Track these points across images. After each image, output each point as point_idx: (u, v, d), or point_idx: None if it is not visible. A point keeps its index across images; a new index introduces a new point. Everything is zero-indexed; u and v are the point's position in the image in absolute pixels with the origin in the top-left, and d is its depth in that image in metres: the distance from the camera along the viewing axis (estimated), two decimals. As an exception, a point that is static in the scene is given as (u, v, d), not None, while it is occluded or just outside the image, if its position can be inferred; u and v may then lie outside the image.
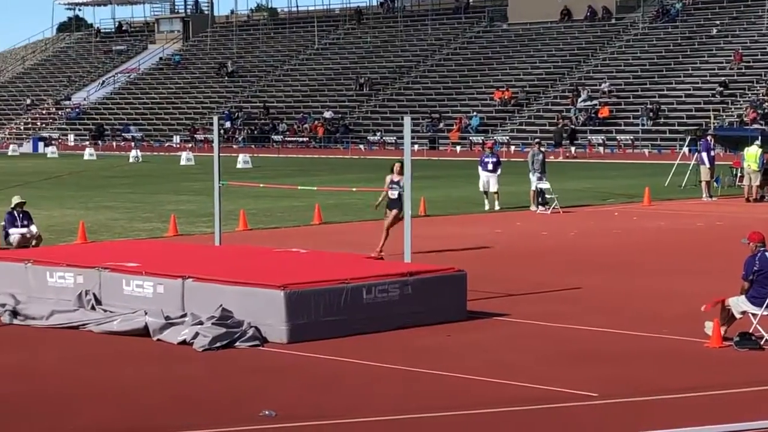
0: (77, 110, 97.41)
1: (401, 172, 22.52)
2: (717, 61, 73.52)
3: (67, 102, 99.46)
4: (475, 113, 76.58)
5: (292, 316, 14.97)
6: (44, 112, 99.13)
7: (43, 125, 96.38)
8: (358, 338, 15.14)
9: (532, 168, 34.48)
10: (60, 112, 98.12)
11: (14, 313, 16.67)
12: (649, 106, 70.59)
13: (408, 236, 18.68)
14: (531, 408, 11.92)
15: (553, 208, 33.41)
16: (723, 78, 70.76)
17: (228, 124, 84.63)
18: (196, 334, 14.80)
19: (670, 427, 11.14)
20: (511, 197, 35.99)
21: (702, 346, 14.66)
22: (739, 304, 14.95)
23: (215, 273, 16.16)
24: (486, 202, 34.48)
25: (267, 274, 16.16)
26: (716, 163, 39.58)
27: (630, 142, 68.44)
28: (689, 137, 47.31)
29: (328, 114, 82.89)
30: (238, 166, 58.74)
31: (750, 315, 14.89)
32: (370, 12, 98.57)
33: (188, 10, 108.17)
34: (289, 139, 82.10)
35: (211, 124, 32.19)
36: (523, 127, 74.04)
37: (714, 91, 69.75)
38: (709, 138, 40.65)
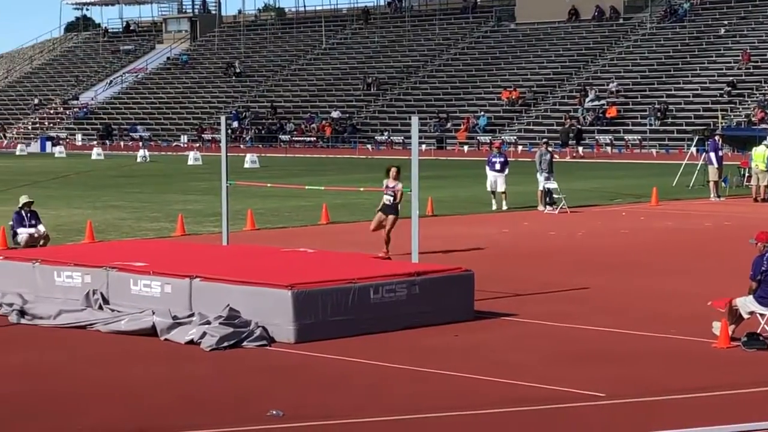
0: (85, 110, 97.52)
1: (397, 177, 22.63)
2: (725, 61, 73.45)
3: (74, 102, 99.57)
4: (482, 113, 76.56)
5: (300, 315, 14.97)
6: (52, 111, 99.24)
7: (51, 125, 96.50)
8: (366, 338, 15.14)
9: (540, 168, 34.46)
10: (68, 112, 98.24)
11: (22, 313, 16.69)
12: (656, 106, 70.53)
13: (415, 236, 18.68)
14: (538, 408, 11.91)
15: (561, 208, 33.40)
16: (731, 78, 70.68)
17: (235, 124, 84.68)
18: (204, 334, 14.81)
19: (678, 428, 11.13)
20: (518, 197, 35.98)
21: (710, 347, 14.63)
22: (746, 304, 14.93)
23: (223, 273, 16.16)
24: (493, 202, 34.47)
25: (274, 273, 16.16)
26: (724, 163, 39.54)
27: (638, 142, 68.37)
28: (697, 137, 47.33)
29: (335, 114, 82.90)
30: (246, 165, 58.81)
31: (758, 315, 14.88)
32: (378, 12, 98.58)
33: (196, 10, 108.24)
34: (296, 138, 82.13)
35: (219, 123, 32.23)
36: (531, 127, 74.01)
37: (722, 91, 69.68)
38: (717, 138, 40.61)
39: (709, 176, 38.66)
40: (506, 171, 34.51)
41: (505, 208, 34.11)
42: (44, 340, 15.44)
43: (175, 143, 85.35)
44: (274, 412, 11.54)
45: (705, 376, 13.30)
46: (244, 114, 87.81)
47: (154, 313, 15.56)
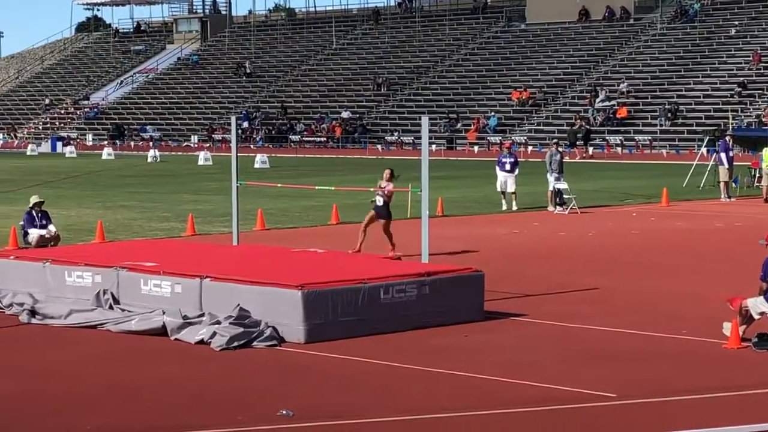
0: (95, 110, 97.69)
1: (390, 179, 22.87)
2: (735, 61, 73.35)
3: (85, 102, 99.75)
4: (492, 113, 76.54)
5: (310, 315, 14.97)
6: (63, 111, 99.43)
7: (62, 125, 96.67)
8: (376, 338, 15.14)
9: (550, 168, 34.44)
10: (78, 112, 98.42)
11: (32, 313, 16.72)
12: (667, 106, 70.45)
13: (425, 236, 18.68)
14: (549, 408, 11.89)
15: (571, 208, 33.37)
16: (741, 78, 70.58)
17: (246, 124, 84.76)
18: (214, 334, 14.81)
19: (689, 428, 11.11)
20: (528, 197, 35.96)
21: (720, 347, 14.61)
22: (757, 305, 14.90)
23: (233, 273, 16.17)
24: (503, 202, 34.46)
25: (284, 273, 16.16)
26: (735, 163, 39.50)
27: (648, 142, 68.31)
28: (707, 138, 47.23)
29: (345, 114, 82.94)
30: (256, 165, 58.85)
31: (768, 316, 14.85)
32: (388, 12, 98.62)
33: (206, 11, 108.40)
34: (306, 139, 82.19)
35: (229, 124, 32.23)
36: (541, 127, 73.97)
37: (732, 92, 69.57)
38: (727, 138, 40.56)
39: (720, 177, 38.60)
40: (516, 171, 34.50)
41: (515, 208, 34.09)
42: (55, 340, 15.47)
43: (185, 143, 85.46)
44: (285, 412, 11.55)
45: (716, 376, 13.28)
46: (254, 114, 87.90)
47: (164, 313, 15.58)
